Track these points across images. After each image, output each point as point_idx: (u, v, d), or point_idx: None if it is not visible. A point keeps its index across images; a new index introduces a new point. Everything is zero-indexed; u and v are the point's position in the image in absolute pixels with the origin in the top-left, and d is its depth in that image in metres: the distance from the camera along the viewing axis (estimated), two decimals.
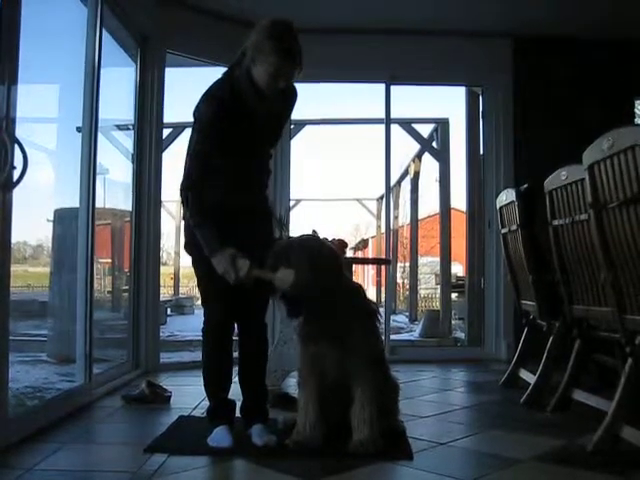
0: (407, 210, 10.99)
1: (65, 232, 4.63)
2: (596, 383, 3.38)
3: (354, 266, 4.53)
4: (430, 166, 9.24)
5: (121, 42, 4.35)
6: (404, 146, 9.43)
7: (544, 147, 5.03)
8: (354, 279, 3.18)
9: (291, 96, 2.69)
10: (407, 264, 11.51)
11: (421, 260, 11.82)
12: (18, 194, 2.51)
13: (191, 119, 2.54)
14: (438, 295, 9.03)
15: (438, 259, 8.43)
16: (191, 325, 7.89)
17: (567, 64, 5.20)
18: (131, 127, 4.50)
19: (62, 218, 4.72)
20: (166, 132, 7.41)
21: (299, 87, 2.70)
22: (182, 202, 2.52)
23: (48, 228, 4.95)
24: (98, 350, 3.69)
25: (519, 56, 5.25)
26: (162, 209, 4.99)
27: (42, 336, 5.31)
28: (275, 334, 3.75)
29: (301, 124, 7.77)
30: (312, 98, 6.03)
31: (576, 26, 4.97)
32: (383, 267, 6.72)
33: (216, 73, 2.59)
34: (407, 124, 8.40)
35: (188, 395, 3.53)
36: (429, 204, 14.23)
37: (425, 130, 8.51)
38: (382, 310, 4.66)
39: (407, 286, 11.48)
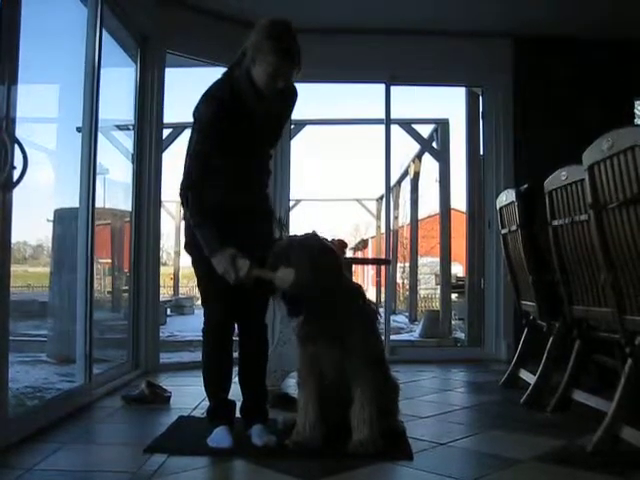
0: (407, 210, 10.99)
1: (65, 232, 4.63)
2: (596, 384, 3.38)
3: (354, 266, 4.53)
4: (430, 166, 9.26)
5: (121, 42, 4.35)
6: (404, 146, 9.45)
7: (544, 147, 5.03)
8: (354, 279, 3.18)
9: (291, 96, 2.69)
10: (407, 264, 11.50)
11: (421, 260, 11.81)
12: (18, 194, 2.51)
13: (191, 119, 2.54)
14: (438, 295, 9.03)
15: (438, 259, 8.43)
16: (191, 325, 7.89)
17: (567, 64, 5.20)
18: (131, 127, 4.50)
19: (62, 218, 4.72)
20: (166, 132, 7.40)
21: (299, 87, 2.70)
22: (182, 202, 2.52)
23: (48, 228, 4.96)
24: (98, 350, 3.68)
25: (519, 56, 5.25)
26: (162, 209, 4.99)
27: (42, 336, 5.31)
28: (275, 334, 3.74)
29: (301, 124, 7.77)
30: (312, 98, 6.03)
31: (576, 26, 4.98)
32: (383, 267, 6.72)
33: (216, 73, 2.60)
34: (407, 124, 8.40)
35: (188, 395, 3.53)
36: (429, 204, 14.22)
37: (425, 130, 8.52)
38: (382, 310, 4.67)
39: (407, 286, 11.47)
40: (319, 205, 20.49)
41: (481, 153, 5.54)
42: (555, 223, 3.15)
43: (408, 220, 10.95)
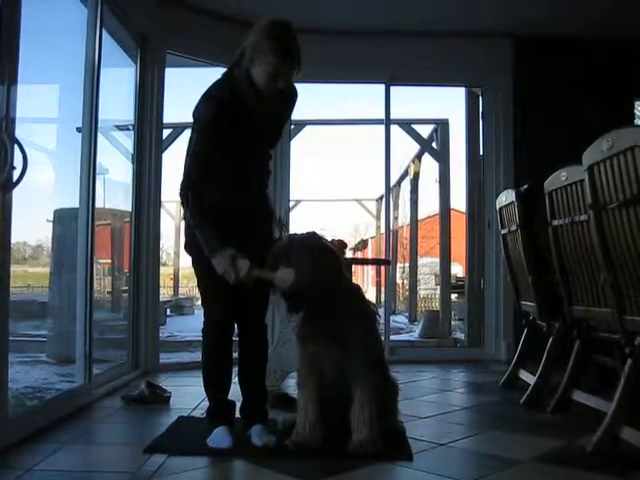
0: (407, 211, 11.00)
1: (65, 232, 4.63)
2: (596, 384, 3.38)
3: (354, 266, 4.53)
4: (430, 166, 9.26)
5: (121, 42, 4.35)
6: (404, 147, 9.44)
7: (544, 147, 5.03)
8: (354, 280, 3.18)
9: (291, 96, 2.69)
10: (407, 264, 11.51)
11: (421, 260, 11.82)
12: (18, 194, 2.51)
13: (191, 119, 2.54)
14: (438, 296, 9.03)
15: (438, 260, 8.43)
16: (191, 325, 7.89)
17: (567, 64, 5.20)
18: (131, 127, 4.50)
19: (62, 218, 4.72)
20: (166, 132, 7.41)
21: (299, 87, 2.70)
22: (182, 202, 2.52)
23: (48, 228, 4.96)
24: (98, 350, 3.68)
25: (519, 56, 5.25)
26: (162, 209, 4.99)
27: (42, 336, 5.31)
28: (275, 334, 3.74)
29: (301, 124, 7.78)
30: (312, 98, 6.04)
31: (576, 26, 4.98)
32: (383, 267, 6.72)
33: (216, 73, 2.60)
34: (407, 125, 8.41)
35: (188, 395, 3.53)
36: (429, 205, 14.23)
37: (425, 131, 8.53)
38: (382, 311, 4.67)
39: (407, 286, 11.48)
40: (319, 205, 20.48)
41: (481, 153, 5.54)
42: (555, 223, 3.15)
43: (408, 220, 10.96)
